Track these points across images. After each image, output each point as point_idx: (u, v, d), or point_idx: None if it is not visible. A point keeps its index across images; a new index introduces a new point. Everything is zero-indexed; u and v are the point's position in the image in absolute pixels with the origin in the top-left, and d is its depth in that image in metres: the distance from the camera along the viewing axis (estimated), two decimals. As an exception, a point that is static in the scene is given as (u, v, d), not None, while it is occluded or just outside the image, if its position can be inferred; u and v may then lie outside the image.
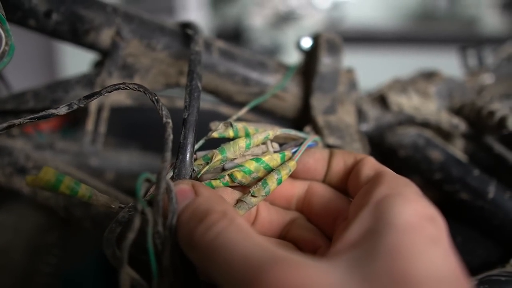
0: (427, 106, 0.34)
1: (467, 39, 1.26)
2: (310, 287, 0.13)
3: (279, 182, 0.21)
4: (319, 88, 0.31)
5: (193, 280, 0.20)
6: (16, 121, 0.22)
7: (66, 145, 0.36)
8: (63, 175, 0.19)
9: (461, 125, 0.33)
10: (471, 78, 0.41)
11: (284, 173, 0.21)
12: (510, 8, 1.34)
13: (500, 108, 0.31)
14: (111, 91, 0.22)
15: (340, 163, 0.22)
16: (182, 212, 0.18)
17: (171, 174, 0.22)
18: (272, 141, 0.24)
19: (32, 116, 0.22)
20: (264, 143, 0.23)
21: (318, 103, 0.31)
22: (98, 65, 0.36)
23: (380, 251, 0.14)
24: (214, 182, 0.22)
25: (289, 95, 0.32)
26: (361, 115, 0.33)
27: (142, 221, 0.19)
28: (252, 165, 0.22)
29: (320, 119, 0.31)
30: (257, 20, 1.07)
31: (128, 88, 0.22)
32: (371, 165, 0.20)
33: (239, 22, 1.13)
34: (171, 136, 0.20)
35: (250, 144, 0.22)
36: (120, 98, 0.31)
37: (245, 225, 0.17)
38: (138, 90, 0.22)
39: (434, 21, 1.34)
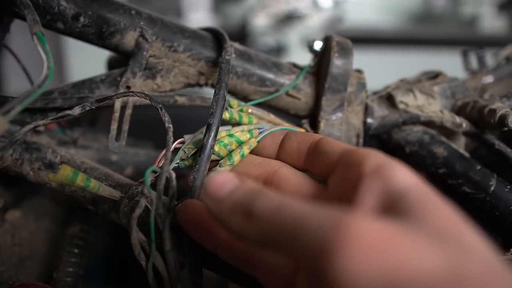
0: (431, 105, 0.36)
1: (467, 39, 1.28)
2: (389, 236, 0.14)
3: (242, 155, 0.26)
4: (330, 89, 0.33)
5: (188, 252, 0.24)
6: (41, 122, 0.26)
7: (87, 142, 0.38)
8: (78, 172, 0.23)
9: (464, 124, 0.35)
10: (473, 79, 0.43)
11: (246, 147, 0.26)
12: (507, 8, 1.36)
13: (500, 106, 0.33)
14: (120, 97, 0.26)
15: (293, 145, 0.25)
16: (231, 193, 0.19)
17: (174, 165, 0.26)
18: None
19: (52, 117, 0.26)
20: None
21: (327, 103, 0.33)
22: (112, 65, 0.38)
23: (412, 210, 0.16)
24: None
25: (302, 94, 0.34)
26: (368, 113, 0.35)
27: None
28: (226, 139, 0.26)
29: (323, 124, 0.33)
30: (261, 20, 1.08)
31: (135, 96, 0.26)
32: (331, 143, 0.22)
33: (244, 22, 1.14)
34: (172, 139, 0.24)
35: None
36: (143, 97, 0.32)
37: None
38: (145, 98, 0.25)
39: (435, 21, 1.37)
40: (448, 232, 0.15)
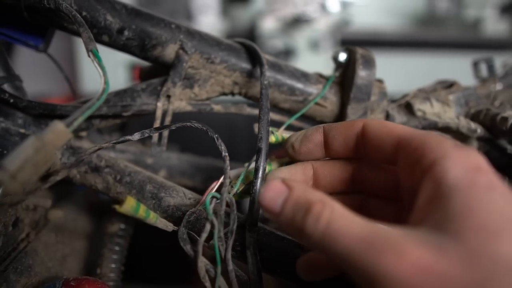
0: (446, 112, 0.39)
1: (471, 42, 1.30)
2: (424, 265, 0.16)
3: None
4: (355, 98, 0.35)
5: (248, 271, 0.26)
6: (104, 145, 0.28)
7: (124, 146, 0.40)
8: (140, 203, 0.26)
9: (479, 129, 0.37)
10: (483, 86, 0.45)
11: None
12: (510, 11, 1.39)
13: (512, 115, 0.36)
14: (179, 126, 0.28)
15: (339, 139, 0.25)
16: (284, 205, 0.20)
17: (234, 190, 0.28)
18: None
19: (114, 141, 0.28)
20: None
21: (352, 111, 0.36)
22: (145, 75, 0.40)
23: (452, 215, 0.17)
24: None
25: (328, 103, 0.37)
26: (389, 121, 0.38)
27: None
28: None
29: None
30: (269, 24, 1.11)
31: (193, 126, 0.28)
32: (381, 128, 0.23)
33: (252, 25, 1.17)
34: (229, 168, 0.27)
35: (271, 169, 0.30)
36: (182, 104, 0.35)
37: (344, 209, 0.19)
38: (202, 129, 0.27)
39: (438, 24, 1.39)
40: (480, 247, 0.16)
